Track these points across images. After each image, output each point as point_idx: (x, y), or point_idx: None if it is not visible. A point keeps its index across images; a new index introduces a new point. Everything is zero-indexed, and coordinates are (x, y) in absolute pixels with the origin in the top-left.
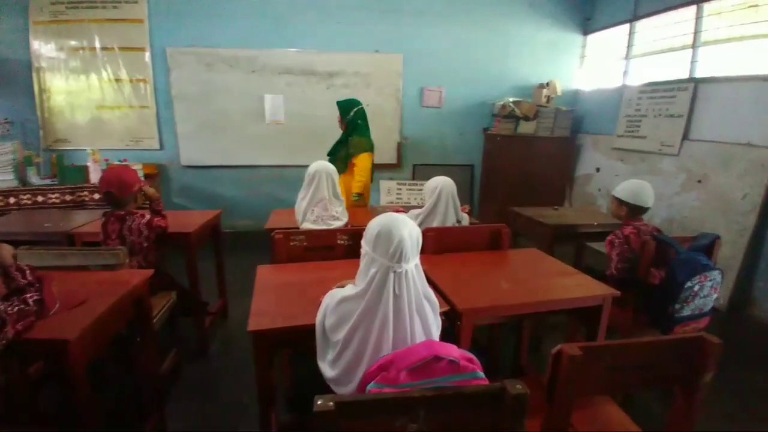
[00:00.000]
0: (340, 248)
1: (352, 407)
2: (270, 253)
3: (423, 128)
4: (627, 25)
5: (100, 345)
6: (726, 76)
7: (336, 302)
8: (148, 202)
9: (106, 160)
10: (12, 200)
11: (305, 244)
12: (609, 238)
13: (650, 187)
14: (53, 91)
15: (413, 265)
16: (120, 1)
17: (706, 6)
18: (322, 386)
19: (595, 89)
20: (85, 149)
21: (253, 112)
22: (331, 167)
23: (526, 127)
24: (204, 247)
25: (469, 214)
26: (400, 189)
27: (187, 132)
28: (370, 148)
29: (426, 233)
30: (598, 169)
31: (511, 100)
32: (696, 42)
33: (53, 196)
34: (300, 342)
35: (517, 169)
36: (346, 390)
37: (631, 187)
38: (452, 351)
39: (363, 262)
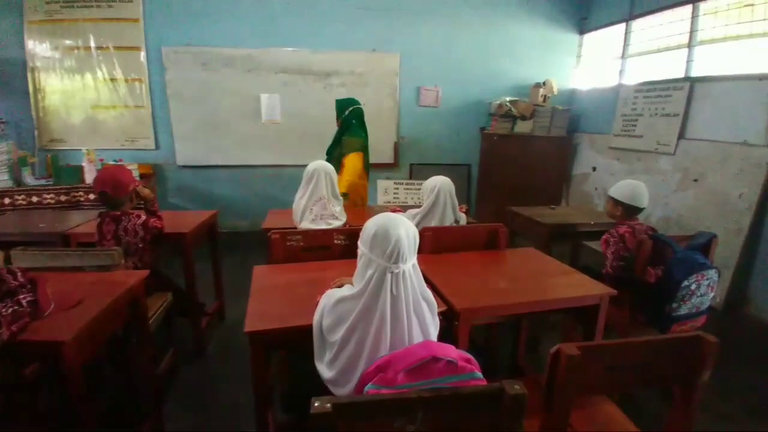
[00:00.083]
0: (336, 248)
1: (349, 408)
2: (267, 253)
3: (420, 128)
4: (623, 25)
5: (95, 346)
6: (722, 75)
7: (333, 303)
8: (142, 202)
9: (102, 160)
10: (7, 201)
11: (302, 244)
12: (604, 237)
13: (645, 188)
14: (48, 90)
15: (410, 266)
16: (115, 0)
17: (701, 5)
18: (320, 387)
19: (591, 88)
20: (80, 149)
21: (249, 111)
22: (330, 167)
23: (522, 127)
24: (200, 248)
25: (467, 213)
26: (397, 188)
27: (183, 132)
28: (360, 148)
29: (423, 233)
30: (594, 168)
31: (507, 99)
32: (692, 41)
33: (48, 196)
34: (297, 343)
35: (514, 169)
36: (344, 391)
37: (627, 188)
38: (450, 351)
39: (360, 263)
